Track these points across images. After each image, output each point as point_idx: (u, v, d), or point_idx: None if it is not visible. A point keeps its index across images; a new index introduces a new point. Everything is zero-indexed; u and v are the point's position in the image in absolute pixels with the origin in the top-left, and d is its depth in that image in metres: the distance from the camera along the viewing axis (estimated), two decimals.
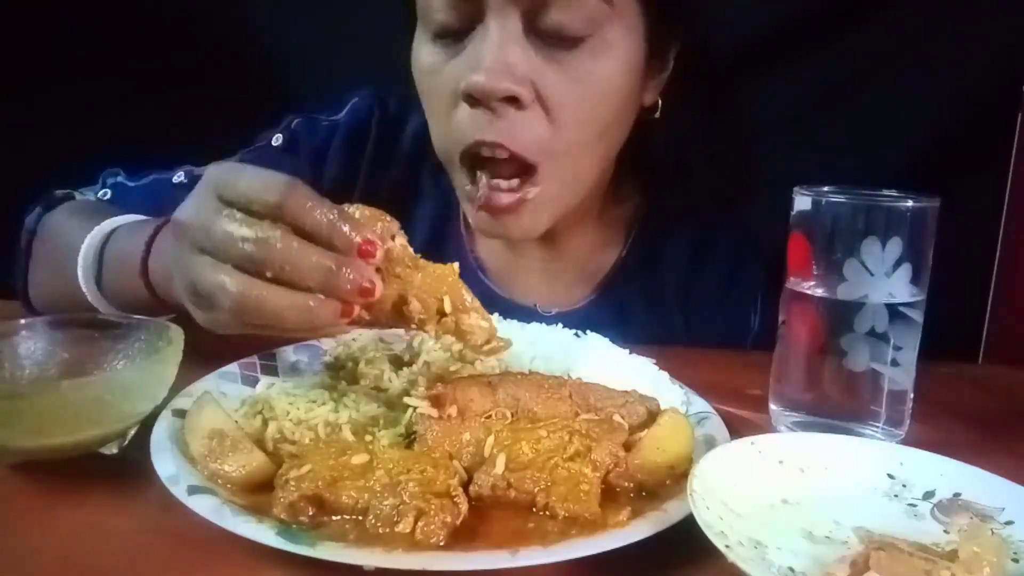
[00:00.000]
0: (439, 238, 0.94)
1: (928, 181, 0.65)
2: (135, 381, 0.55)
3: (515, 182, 0.73)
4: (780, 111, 1.14)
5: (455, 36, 0.71)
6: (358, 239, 0.48)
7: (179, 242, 0.51)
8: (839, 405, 0.63)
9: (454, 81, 0.70)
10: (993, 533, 0.47)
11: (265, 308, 0.47)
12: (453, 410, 0.55)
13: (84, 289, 0.72)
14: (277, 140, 0.92)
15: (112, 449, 0.56)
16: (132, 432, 0.57)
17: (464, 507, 0.47)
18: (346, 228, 0.48)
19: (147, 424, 0.55)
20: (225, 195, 0.49)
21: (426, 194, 0.93)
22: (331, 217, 0.48)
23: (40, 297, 0.81)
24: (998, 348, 1.18)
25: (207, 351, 0.60)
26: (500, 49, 0.68)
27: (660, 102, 0.82)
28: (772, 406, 0.68)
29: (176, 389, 0.59)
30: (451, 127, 0.73)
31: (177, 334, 0.59)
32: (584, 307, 0.92)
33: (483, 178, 0.73)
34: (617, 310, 0.92)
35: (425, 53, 0.74)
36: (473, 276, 0.92)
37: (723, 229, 0.96)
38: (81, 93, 1.20)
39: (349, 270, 0.48)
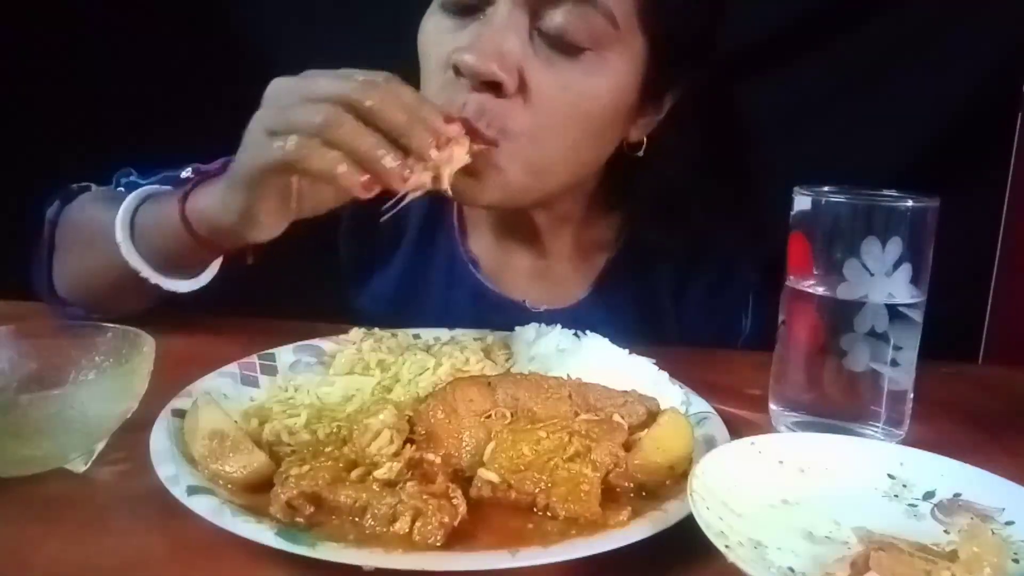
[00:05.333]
0: (433, 231, 0.95)
1: (928, 181, 0.65)
2: (99, 394, 0.53)
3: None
4: (779, 111, 1.14)
5: (464, 12, 0.73)
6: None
7: (270, 106, 0.60)
8: (839, 405, 0.63)
9: (449, 51, 0.72)
10: (993, 533, 0.47)
11: (350, 135, 0.55)
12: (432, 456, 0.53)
13: (122, 249, 0.72)
14: None
15: (79, 467, 0.53)
16: (99, 448, 0.55)
17: (462, 508, 0.47)
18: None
19: (146, 425, 0.55)
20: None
21: None
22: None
23: (68, 282, 0.81)
24: (998, 348, 1.18)
25: (207, 352, 0.60)
26: (499, 35, 0.69)
27: (645, 142, 0.83)
28: (772, 406, 0.68)
29: (176, 389, 0.59)
30: (434, 91, 0.74)
31: (148, 343, 0.57)
32: (574, 306, 0.93)
33: None
34: (608, 310, 0.92)
35: (433, 20, 0.76)
36: (465, 270, 0.93)
37: (716, 231, 0.96)
38: (90, 96, 1.20)
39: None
